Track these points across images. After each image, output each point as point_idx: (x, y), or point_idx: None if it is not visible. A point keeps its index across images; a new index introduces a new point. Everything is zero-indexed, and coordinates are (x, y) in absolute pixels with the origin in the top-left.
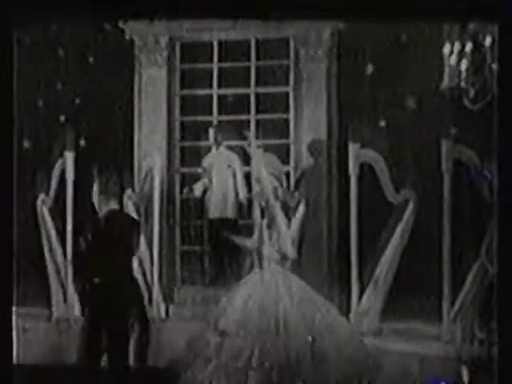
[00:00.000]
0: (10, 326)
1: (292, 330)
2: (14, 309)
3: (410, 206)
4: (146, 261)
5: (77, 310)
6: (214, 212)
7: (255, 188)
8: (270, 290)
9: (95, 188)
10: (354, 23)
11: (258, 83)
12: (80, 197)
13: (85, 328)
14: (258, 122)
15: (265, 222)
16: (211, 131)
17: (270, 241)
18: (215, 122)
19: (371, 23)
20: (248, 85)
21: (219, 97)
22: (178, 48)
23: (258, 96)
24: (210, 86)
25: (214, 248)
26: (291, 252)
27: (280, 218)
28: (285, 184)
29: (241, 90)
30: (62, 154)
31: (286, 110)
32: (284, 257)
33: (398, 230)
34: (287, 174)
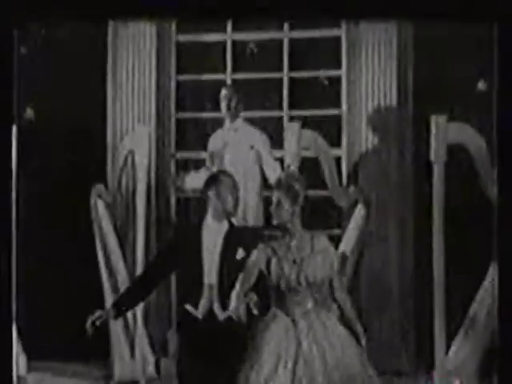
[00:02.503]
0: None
1: None
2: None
3: None
4: (126, 284)
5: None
6: None
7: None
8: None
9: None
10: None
11: (292, 23)
12: (23, 196)
13: None
14: (292, 81)
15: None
16: (223, 95)
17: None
18: (229, 82)
19: (371, 23)
20: (278, 26)
21: (235, 44)
22: None
23: (292, 43)
24: (223, 28)
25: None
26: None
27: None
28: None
29: (267, 34)
30: None
31: (336, 63)
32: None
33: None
34: (338, 160)
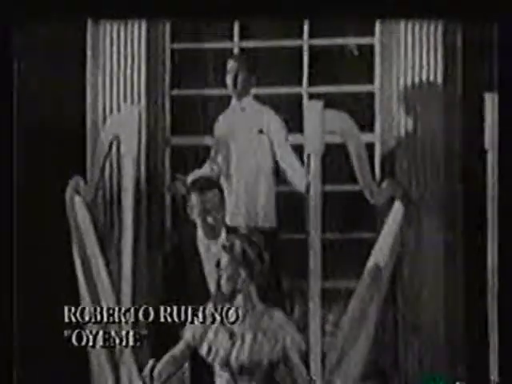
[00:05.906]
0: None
1: None
2: None
3: None
4: (109, 297)
5: None
6: (233, 216)
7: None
8: None
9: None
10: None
11: None
12: None
13: None
14: (313, 51)
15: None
16: (230, 67)
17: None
18: (236, 51)
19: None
20: None
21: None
22: None
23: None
24: None
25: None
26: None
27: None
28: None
29: None
30: None
31: (368, 28)
32: None
33: None
34: (370, 148)
